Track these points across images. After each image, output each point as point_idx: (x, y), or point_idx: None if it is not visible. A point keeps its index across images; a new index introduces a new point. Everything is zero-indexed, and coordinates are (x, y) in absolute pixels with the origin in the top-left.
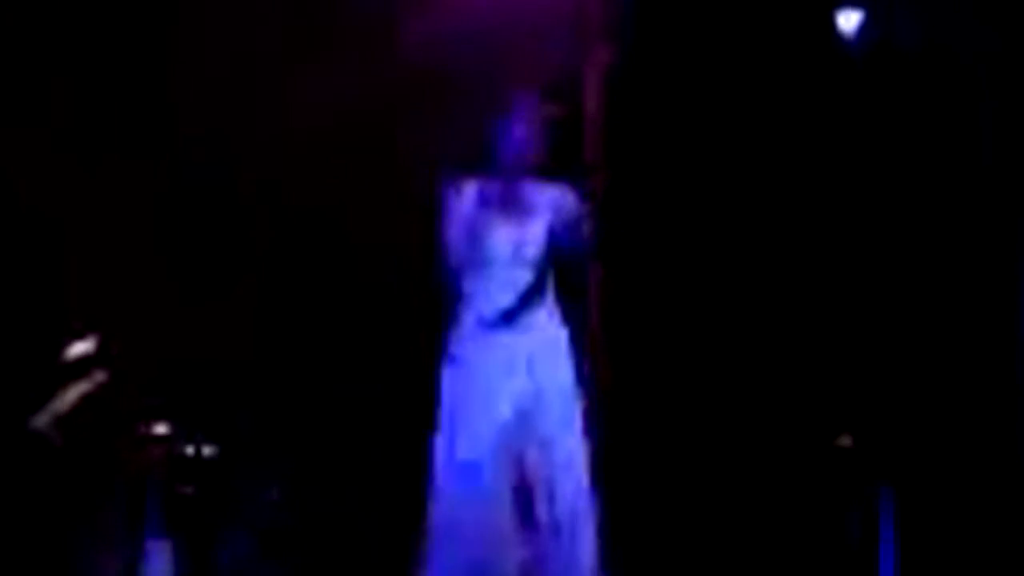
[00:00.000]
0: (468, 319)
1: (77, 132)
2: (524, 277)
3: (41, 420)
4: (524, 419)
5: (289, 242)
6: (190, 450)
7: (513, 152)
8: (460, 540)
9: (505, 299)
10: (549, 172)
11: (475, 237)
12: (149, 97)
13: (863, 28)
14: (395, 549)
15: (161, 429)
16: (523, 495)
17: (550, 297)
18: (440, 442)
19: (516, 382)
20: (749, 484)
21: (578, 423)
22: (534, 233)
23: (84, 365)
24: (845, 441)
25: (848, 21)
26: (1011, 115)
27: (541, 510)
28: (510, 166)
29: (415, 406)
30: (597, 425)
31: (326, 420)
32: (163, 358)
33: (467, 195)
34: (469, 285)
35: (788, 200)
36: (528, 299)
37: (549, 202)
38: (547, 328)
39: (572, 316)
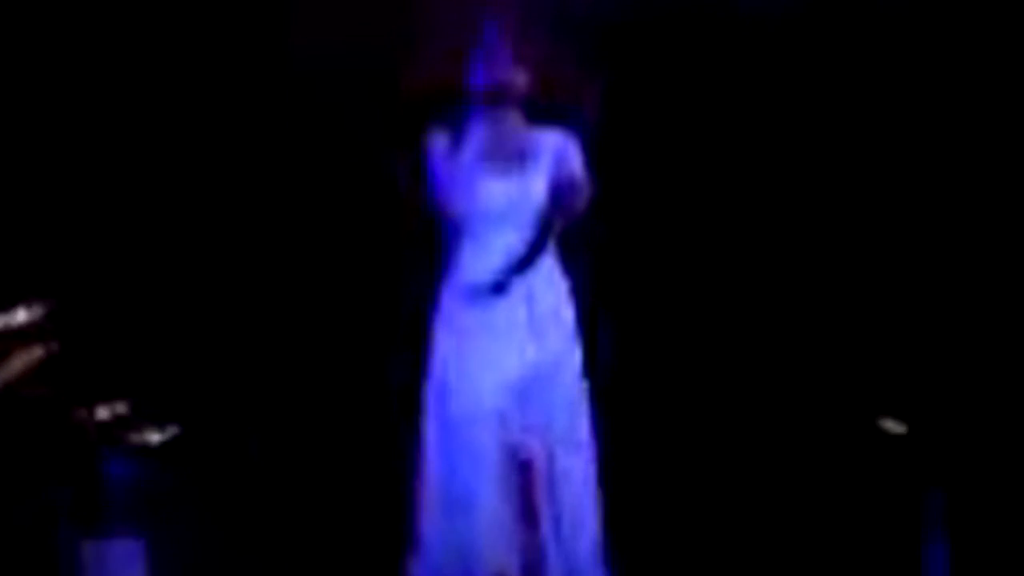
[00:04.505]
0: (461, 284)
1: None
2: (522, 237)
3: None
4: (523, 401)
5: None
6: (154, 436)
7: (493, 84)
8: (455, 530)
9: (499, 262)
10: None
11: (466, 192)
12: None
13: None
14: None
15: (120, 409)
16: (523, 483)
17: (551, 260)
18: (433, 415)
19: (514, 359)
20: (784, 472)
21: (583, 402)
22: (534, 187)
23: (30, 334)
24: (895, 427)
25: None
26: None
27: (541, 499)
28: (491, 102)
29: (404, 377)
30: (603, 409)
31: (301, 396)
32: (121, 331)
33: (454, 144)
34: (461, 245)
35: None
36: (526, 262)
37: (551, 152)
38: (548, 296)
39: (574, 279)
